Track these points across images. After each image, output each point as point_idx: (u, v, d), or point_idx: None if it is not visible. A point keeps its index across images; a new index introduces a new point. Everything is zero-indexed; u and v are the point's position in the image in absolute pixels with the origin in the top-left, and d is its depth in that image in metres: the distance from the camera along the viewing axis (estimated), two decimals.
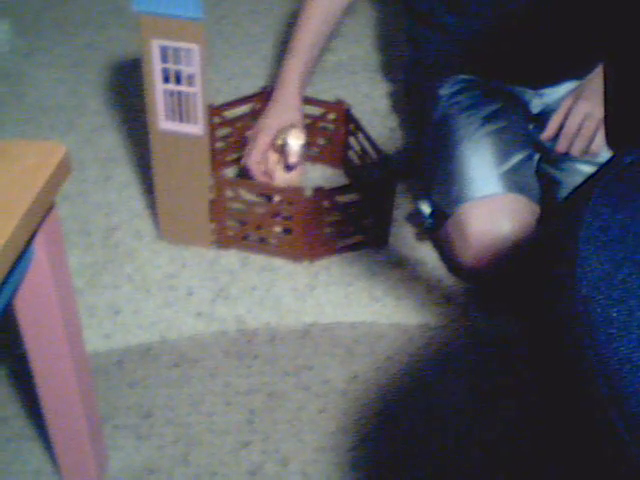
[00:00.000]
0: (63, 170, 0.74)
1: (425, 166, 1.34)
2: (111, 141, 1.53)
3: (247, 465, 1.01)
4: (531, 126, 1.34)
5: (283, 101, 1.32)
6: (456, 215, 1.20)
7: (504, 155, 1.23)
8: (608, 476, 0.47)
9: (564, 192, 1.27)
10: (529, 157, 1.27)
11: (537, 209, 1.21)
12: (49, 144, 0.74)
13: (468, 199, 1.19)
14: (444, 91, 1.33)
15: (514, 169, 1.22)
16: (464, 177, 1.21)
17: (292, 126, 1.28)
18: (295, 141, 1.27)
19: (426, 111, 1.36)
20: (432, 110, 1.34)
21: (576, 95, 1.26)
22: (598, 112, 1.22)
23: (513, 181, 1.20)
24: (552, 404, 0.52)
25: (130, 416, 1.06)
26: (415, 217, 1.35)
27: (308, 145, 1.45)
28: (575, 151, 1.25)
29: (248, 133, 1.37)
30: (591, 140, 1.24)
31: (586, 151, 1.25)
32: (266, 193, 1.28)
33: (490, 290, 1.26)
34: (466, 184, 1.21)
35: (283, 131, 1.28)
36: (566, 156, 1.27)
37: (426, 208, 1.28)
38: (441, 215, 1.24)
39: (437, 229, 1.28)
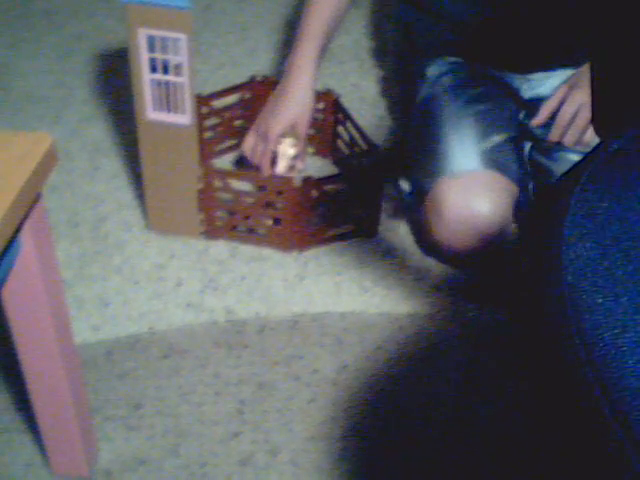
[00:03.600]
0: (49, 161, 0.73)
1: (408, 145, 1.34)
2: (99, 132, 1.52)
3: (237, 455, 1.01)
4: (522, 114, 1.34)
5: (295, 94, 1.28)
6: (433, 189, 1.20)
7: (484, 134, 1.23)
8: (596, 461, 0.47)
9: None
10: (511, 139, 1.27)
11: (515, 189, 1.21)
12: (35, 134, 0.74)
13: (446, 173, 1.19)
14: (431, 71, 1.34)
15: (493, 148, 1.22)
16: (443, 153, 1.22)
17: (288, 134, 1.27)
18: (285, 151, 1.27)
19: (412, 91, 1.37)
20: (418, 90, 1.34)
21: (571, 84, 1.26)
22: None
23: (492, 159, 1.20)
24: (540, 391, 0.52)
25: (120, 407, 1.06)
26: (395, 193, 1.36)
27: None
28: (568, 141, 1.25)
29: (257, 120, 1.35)
30: (585, 130, 1.24)
31: (579, 141, 1.25)
32: (254, 183, 1.28)
33: (477, 277, 1.26)
34: (445, 159, 1.21)
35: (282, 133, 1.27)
36: (558, 145, 1.27)
37: (405, 185, 1.28)
38: (420, 193, 1.25)
39: (415, 208, 1.28)
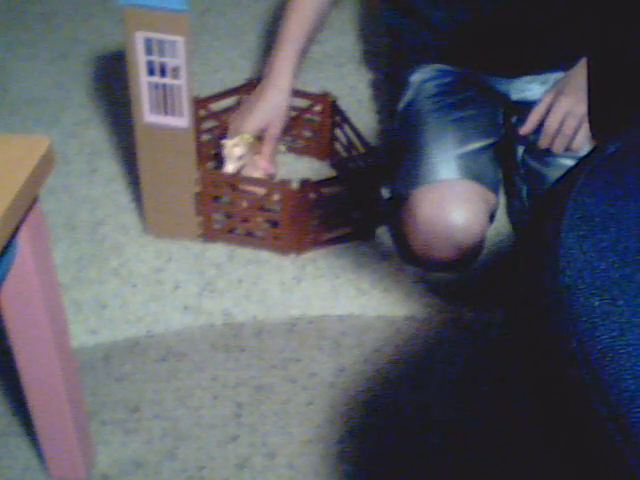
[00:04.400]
0: (47, 164, 0.73)
1: (391, 151, 1.34)
2: (96, 134, 1.52)
3: (234, 459, 1.01)
4: (514, 118, 1.34)
5: (272, 97, 1.29)
6: (410, 199, 1.20)
7: (463, 141, 1.23)
8: (594, 462, 0.47)
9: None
10: (491, 146, 1.27)
11: (492, 197, 1.22)
12: (32, 137, 0.74)
13: (422, 182, 1.19)
14: (415, 78, 1.34)
15: (472, 155, 1.22)
16: (421, 161, 1.22)
17: (241, 132, 1.26)
18: (230, 153, 1.25)
19: (396, 98, 1.37)
20: (401, 96, 1.35)
21: (557, 91, 1.26)
22: (579, 109, 1.22)
23: (469, 167, 1.20)
24: (537, 393, 0.52)
25: (117, 411, 1.06)
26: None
27: (292, 137, 1.45)
28: (556, 149, 1.25)
29: (230, 119, 1.35)
30: (573, 137, 1.24)
31: (568, 148, 1.25)
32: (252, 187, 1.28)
33: (475, 280, 1.26)
34: (422, 168, 1.21)
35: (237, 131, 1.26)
36: (548, 152, 1.28)
37: (385, 192, 1.28)
38: (398, 201, 1.25)
39: (394, 216, 1.28)
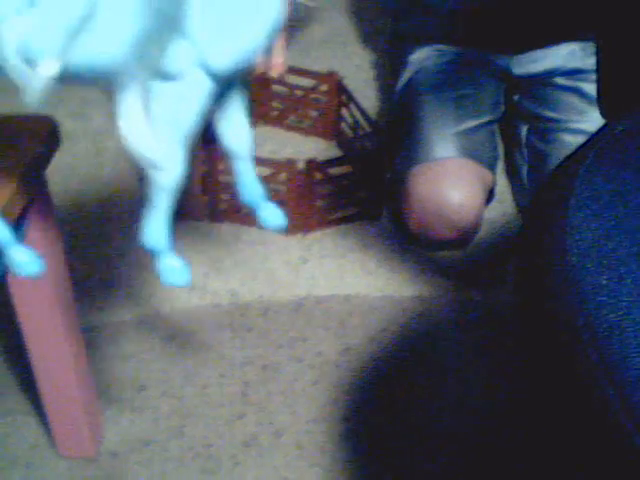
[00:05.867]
0: (53, 143, 0.73)
1: (390, 131, 1.34)
2: (103, 114, 1.51)
3: (241, 437, 1.02)
4: (517, 96, 1.34)
5: None
6: (407, 178, 1.20)
7: (461, 119, 1.22)
8: (599, 442, 0.48)
9: (552, 166, 1.26)
10: (488, 124, 1.26)
11: (488, 175, 1.21)
12: (39, 117, 0.74)
13: (418, 162, 1.19)
14: (413, 57, 1.33)
15: (468, 133, 1.21)
16: (418, 140, 1.21)
17: None
18: None
19: (396, 77, 1.36)
20: (400, 76, 1.34)
21: None
22: None
23: (464, 145, 1.20)
24: (543, 373, 0.53)
25: (125, 389, 1.07)
26: None
27: (298, 117, 1.45)
28: None
29: None
30: None
31: None
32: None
33: (481, 260, 1.26)
34: (418, 147, 1.20)
35: None
36: (556, 123, 1.26)
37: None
38: (397, 180, 1.25)
39: (393, 195, 1.28)
